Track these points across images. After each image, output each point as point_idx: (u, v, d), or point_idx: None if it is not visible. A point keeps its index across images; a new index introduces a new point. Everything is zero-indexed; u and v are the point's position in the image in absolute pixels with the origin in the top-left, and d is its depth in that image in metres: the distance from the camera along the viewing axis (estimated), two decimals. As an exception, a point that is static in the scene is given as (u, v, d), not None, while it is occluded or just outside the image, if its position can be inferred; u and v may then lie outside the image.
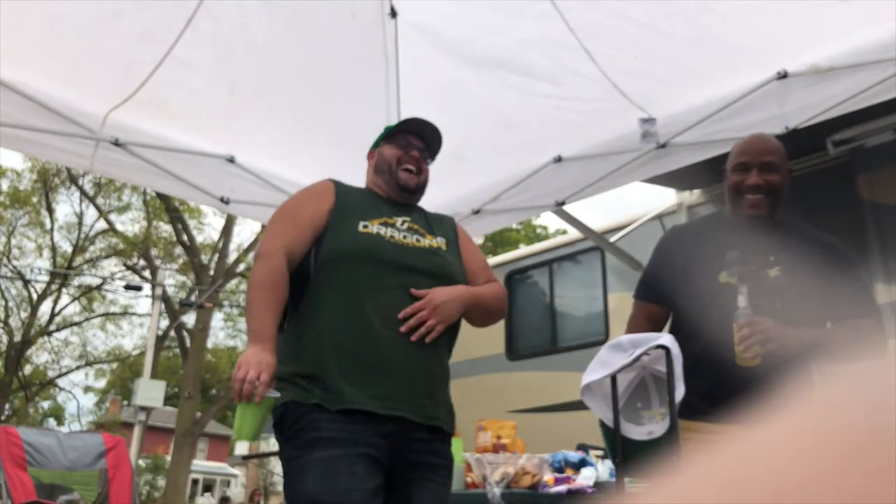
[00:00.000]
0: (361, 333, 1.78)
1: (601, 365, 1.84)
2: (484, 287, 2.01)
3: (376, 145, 2.14)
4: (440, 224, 2.10)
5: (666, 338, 1.80)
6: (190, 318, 18.04)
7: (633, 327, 2.11)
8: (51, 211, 20.05)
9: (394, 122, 3.56)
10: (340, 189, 2.00)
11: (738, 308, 1.89)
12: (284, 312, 1.87)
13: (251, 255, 19.59)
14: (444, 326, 1.85)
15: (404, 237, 1.94)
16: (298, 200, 2.00)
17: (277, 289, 1.79)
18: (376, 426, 1.73)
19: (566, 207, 3.86)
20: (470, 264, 2.05)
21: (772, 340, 1.83)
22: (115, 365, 25.73)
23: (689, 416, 1.88)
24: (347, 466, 1.66)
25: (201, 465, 29.42)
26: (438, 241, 2.01)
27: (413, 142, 2.08)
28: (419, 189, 2.09)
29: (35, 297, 20.55)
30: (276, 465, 20.87)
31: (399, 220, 1.98)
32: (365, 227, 1.90)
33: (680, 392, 1.77)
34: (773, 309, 1.92)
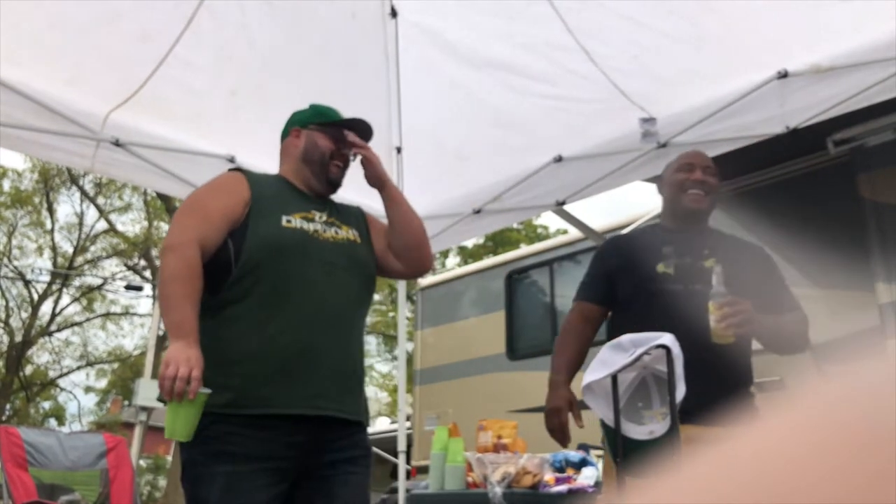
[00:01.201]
0: (288, 330, 1.76)
1: (602, 364, 1.84)
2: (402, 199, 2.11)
3: (302, 124, 2.07)
4: (350, 215, 2.07)
5: (667, 337, 1.80)
6: (190, 319, 17.99)
7: (567, 326, 2.27)
8: (51, 211, 20.06)
9: (394, 122, 3.57)
10: (253, 180, 1.94)
11: (713, 288, 1.98)
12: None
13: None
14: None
15: (324, 231, 1.92)
16: (207, 193, 1.93)
17: (194, 281, 1.72)
18: (290, 432, 1.73)
19: (567, 207, 3.86)
20: (379, 241, 2.06)
21: (749, 322, 1.94)
22: (115, 365, 25.72)
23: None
24: (251, 481, 1.68)
25: (202, 465, 29.37)
26: (353, 234, 1.99)
27: (347, 136, 2.03)
28: (340, 184, 2.07)
29: (36, 297, 20.56)
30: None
31: (317, 215, 1.95)
32: (288, 221, 1.87)
33: (681, 391, 1.77)
34: (706, 293, 2.04)
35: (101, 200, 19.75)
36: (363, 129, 2.05)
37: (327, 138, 2.02)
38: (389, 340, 19.32)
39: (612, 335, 2.17)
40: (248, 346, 1.76)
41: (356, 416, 1.86)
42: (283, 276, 1.81)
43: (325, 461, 1.79)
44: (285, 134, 2.10)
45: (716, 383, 1.99)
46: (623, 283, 2.20)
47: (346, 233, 1.98)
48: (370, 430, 2.10)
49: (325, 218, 1.95)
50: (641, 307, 2.11)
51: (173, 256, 1.75)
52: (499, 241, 19.96)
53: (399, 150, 3.62)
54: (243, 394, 1.72)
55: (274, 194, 1.93)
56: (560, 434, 2.18)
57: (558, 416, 2.16)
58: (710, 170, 2.26)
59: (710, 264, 2.11)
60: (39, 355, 22.43)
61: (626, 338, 1.86)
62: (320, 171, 2.00)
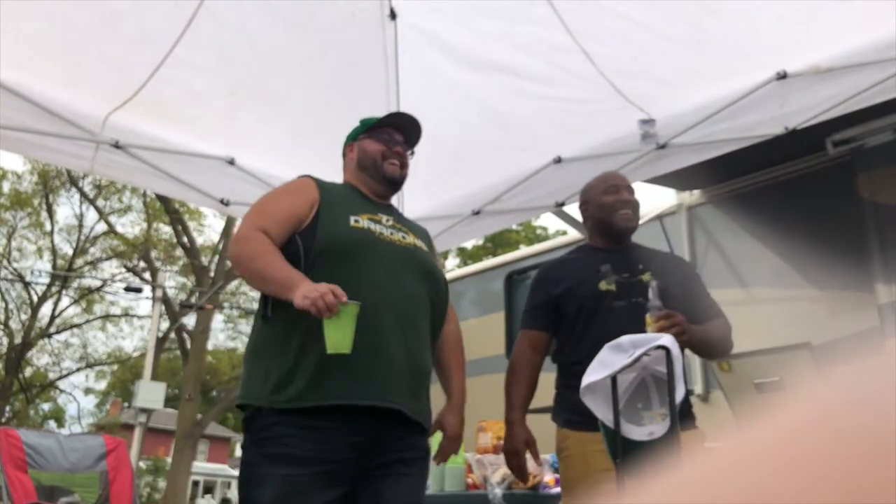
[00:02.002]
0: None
1: (601, 365, 1.84)
2: (461, 372, 2.14)
3: (353, 138, 2.14)
4: (417, 229, 2.12)
5: (666, 338, 1.80)
6: (190, 320, 18.04)
7: (518, 357, 2.35)
8: (51, 213, 20.06)
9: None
10: (322, 185, 1.99)
11: (649, 301, 2.06)
12: (265, 302, 1.86)
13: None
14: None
15: (391, 234, 1.95)
16: (273, 195, 2.01)
17: (275, 250, 1.79)
18: (350, 431, 1.72)
19: (566, 208, 3.86)
20: None
21: (685, 332, 2.03)
22: (115, 367, 25.72)
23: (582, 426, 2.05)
24: (308, 485, 1.67)
25: (202, 466, 29.41)
26: (419, 243, 2.03)
27: (394, 136, 2.09)
28: (403, 182, 2.11)
29: (35, 299, 20.56)
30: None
31: (384, 218, 1.98)
32: (356, 221, 1.90)
33: (680, 392, 1.77)
34: (648, 305, 2.13)
35: (100, 202, 19.76)
36: (408, 122, 2.12)
37: (375, 141, 2.08)
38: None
39: (559, 357, 2.32)
40: (305, 341, 1.76)
41: (418, 417, 1.86)
42: (349, 273, 1.81)
43: (379, 461, 1.78)
44: (344, 156, 2.18)
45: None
46: (567, 305, 2.26)
47: (413, 239, 2.01)
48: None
49: (391, 222, 1.99)
50: (589, 326, 2.19)
51: (245, 242, 1.81)
52: (498, 243, 19.98)
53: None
54: (309, 387, 1.72)
55: (342, 197, 1.98)
56: (519, 473, 2.32)
57: (517, 459, 2.29)
58: (631, 189, 2.41)
59: (646, 278, 2.23)
60: (39, 357, 22.45)
61: (625, 339, 1.86)
62: (376, 173, 2.06)
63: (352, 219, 1.90)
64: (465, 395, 2.09)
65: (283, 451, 1.69)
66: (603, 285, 2.23)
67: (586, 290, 2.24)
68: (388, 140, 2.08)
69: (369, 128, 2.12)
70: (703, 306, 2.30)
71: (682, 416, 2.13)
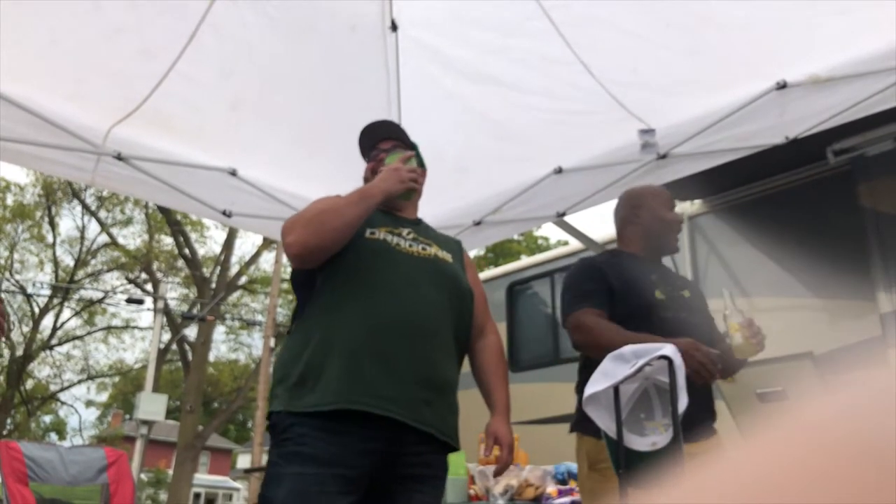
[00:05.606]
0: (364, 334, 1.77)
1: (604, 376, 1.84)
2: (503, 382, 2.07)
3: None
4: (447, 242, 2.10)
5: (668, 348, 1.80)
6: (192, 332, 18.03)
7: (592, 324, 2.14)
8: (53, 225, 20.09)
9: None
10: None
11: (728, 310, 2.08)
12: (293, 318, 1.91)
13: (252, 269, 19.56)
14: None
15: (410, 246, 1.94)
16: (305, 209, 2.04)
17: (334, 198, 1.88)
18: (364, 438, 1.71)
19: (567, 218, 3.87)
20: (474, 297, 2.03)
21: (762, 343, 2.06)
22: (116, 379, 25.67)
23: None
24: (320, 486, 1.66)
25: (203, 478, 29.30)
26: (444, 254, 2.01)
27: (381, 147, 2.12)
28: (409, 188, 2.00)
29: (37, 311, 20.55)
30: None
31: (404, 231, 1.98)
32: (372, 233, 1.91)
33: (683, 403, 1.76)
34: (690, 322, 2.16)
35: (102, 214, 19.79)
36: (387, 129, 2.17)
37: (368, 164, 2.14)
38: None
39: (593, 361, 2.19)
40: (324, 348, 1.77)
41: (435, 432, 1.79)
42: (361, 283, 1.82)
43: (392, 474, 1.75)
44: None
45: (706, 406, 2.14)
46: (621, 304, 2.17)
47: (436, 251, 1.99)
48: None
49: (412, 235, 1.99)
50: (648, 330, 2.09)
51: (300, 222, 1.83)
52: (500, 253, 19.97)
53: (401, 162, 3.63)
54: (324, 392, 1.72)
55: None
56: (710, 362, 1.98)
57: (698, 351, 1.98)
58: None
59: (686, 294, 2.24)
60: (40, 369, 22.40)
61: (627, 349, 1.86)
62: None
63: (368, 231, 1.91)
64: (510, 405, 2.02)
65: (298, 450, 1.70)
66: (658, 294, 2.18)
67: (645, 295, 2.17)
68: (375, 156, 2.12)
69: (363, 152, 2.17)
70: (718, 332, 2.27)
71: (704, 422, 2.13)
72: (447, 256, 2.01)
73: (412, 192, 2.01)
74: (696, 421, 2.00)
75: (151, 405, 14.09)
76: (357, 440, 1.71)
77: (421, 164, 2.18)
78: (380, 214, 2.01)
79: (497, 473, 1.97)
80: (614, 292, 2.18)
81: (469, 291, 1.99)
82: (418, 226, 2.08)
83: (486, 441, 1.92)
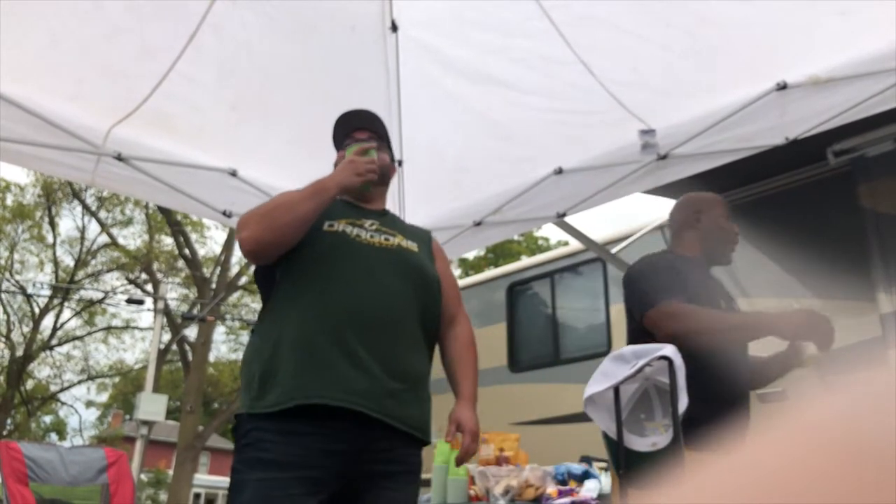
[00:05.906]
0: (321, 327, 1.75)
1: (604, 376, 1.84)
2: (471, 371, 1.96)
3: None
4: (413, 232, 2.07)
5: (668, 349, 1.80)
6: (192, 332, 18.03)
7: (681, 311, 2.05)
8: (53, 225, 20.09)
9: (395, 135, 3.58)
10: None
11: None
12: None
13: (253, 269, 19.55)
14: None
15: (371, 237, 1.91)
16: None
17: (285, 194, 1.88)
18: (326, 439, 1.68)
19: (567, 219, 3.87)
20: (444, 286, 2.00)
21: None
22: (116, 379, 25.68)
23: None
24: (283, 489, 1.64)
25: (203, 479, 29.28)
26: (409, 244, 1.97)
27: (356, 137, 2.07)
28: (375, 178, 1.96)
29: (37, 311, 20.56)
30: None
31: (367, 222, 1.95)
32: (330, 225, 1.89)
33: (683, 403, 1.76)
34: None
35: (102, 214, 19.79)
36: (363, 118, 2.13)
37: (338, 153, 2.10)
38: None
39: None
40: (279, 343, 1.76)
41: (401, 425, 1.76)
42: (316, 276, 1.81)
43: (361, 472, 1.72)
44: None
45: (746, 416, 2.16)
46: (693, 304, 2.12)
47: (400, 241, 1.96)
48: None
49: (375, 226, 1.95)
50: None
51: (254, 218, 1.84)
52: (500, 253, 19.98)
53: (400, 162, 3.62)
54: (281, 391, 1.71)
55: (327, 207, 1.96)
56: (828, 332, 2.12)
57: (812, 316, 2.08)
58: None
59: (735, 307, 2.26)
60: (40, 370, 22.42)
61: (627, 349, 1.86)
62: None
63: (326, 224, 1.88)
64: (476, 393, 1.94)
65: (258, 456, 1.68)
66: (722, 303, 2.18)
67: (711, 302, 2.13)
68: (347, 146, 2.06)
69: (336, 142, 2.13)
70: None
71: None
72: (412, 246, 1.97)
73: (369, 183, 1.94)
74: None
75: (151, 405, 14.09)
76: (318, 439, 1.68)
77: (391, 157, 2.14)
78: (342, 206, 1.98)
79: (459, 461, 1.91)
80: (686, 290, 2.12)
81: (436, 280, 1.95)
82: (384, 217, 2.03)
83: (449, 427, 1.87)
